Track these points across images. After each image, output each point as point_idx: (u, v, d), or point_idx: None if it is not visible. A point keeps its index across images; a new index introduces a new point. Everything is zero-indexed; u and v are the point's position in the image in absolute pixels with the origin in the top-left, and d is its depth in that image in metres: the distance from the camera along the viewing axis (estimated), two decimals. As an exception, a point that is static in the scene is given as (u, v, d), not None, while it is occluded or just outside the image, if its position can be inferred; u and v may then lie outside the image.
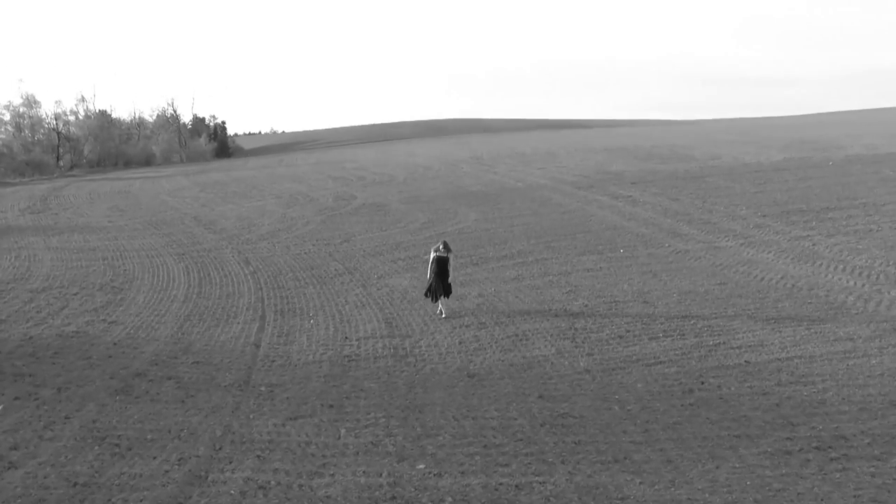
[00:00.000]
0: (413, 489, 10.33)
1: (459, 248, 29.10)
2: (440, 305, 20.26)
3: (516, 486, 10.31)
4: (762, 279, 21.96)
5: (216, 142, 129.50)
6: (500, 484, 10.37)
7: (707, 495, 9.82)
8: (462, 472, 10.79)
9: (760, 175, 45.47)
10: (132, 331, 19.91)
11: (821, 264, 23.19)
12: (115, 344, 18.66)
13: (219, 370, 16.32)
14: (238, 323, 20.43)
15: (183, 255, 31.84)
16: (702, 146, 72.22)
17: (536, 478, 10.52)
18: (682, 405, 13.05)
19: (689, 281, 22.20)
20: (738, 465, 10.61)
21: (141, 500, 10.19)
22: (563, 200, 40.52)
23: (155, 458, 11.65)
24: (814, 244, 26.09)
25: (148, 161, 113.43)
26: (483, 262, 26.74)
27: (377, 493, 10.27)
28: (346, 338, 18.53)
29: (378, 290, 23.64)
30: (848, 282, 21.01)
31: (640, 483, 10.22)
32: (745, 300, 19.82)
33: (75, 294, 24.92)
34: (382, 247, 31.04)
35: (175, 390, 15.02)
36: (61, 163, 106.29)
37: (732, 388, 13.75)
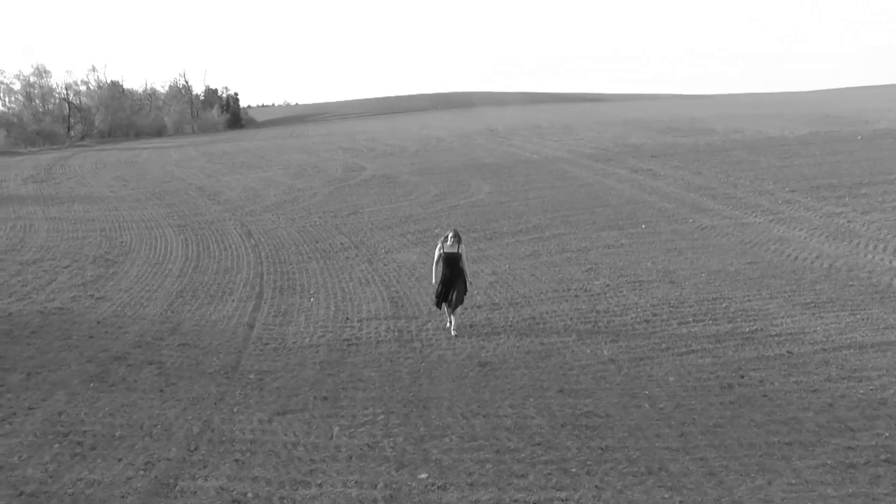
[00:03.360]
0: (412, 505, 8.83)
1: (472, 223, 27.64)
2: (449, 318, 15.88)
3: (534, 503, 8.76)
4: (796, 258, 20.34)
5: (228, 113, 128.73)
6: (515, 500, 8.78)
7: (761, 520, 8.28)
8: (470, 485, 9.21)
9: (786, 149, 43.63)
10: (119, 308, 18.52)
11: (858, 243, 21.53)
12: (98, 323, 17.26)
13: (206, 354, 14.87)
14: (233, 300, 19.01)
15: (183, 226, 30.51)
16: (722, 120, 70.24)
17: (558, 493, 8.91)
18: (721, 403, 11.44)
19: (718, 259, 20.62)
20: (793, 482, 8.99)
21: (92, 517, 8.75)
22: (581, 173, 38.88)
23: (120, 460, 10.17)
24: (849, 221, 24.41)
25: (159, 132, 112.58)
26: (497, 238, 25.20)
27: (370, 509, 8.78)
28: (348, 318, 17.06)
29: (385, 265, 22.18)
30: (891, 262, 19.37)
31: (681, 502, 8.65)
32: (779, 281, 18.22)
33: (66, 267, 23.58)
34: (391, 220, 29.56)
35: (155, 377, 13.56)
36: (72, 133, 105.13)
37: (776, 384, 12.13)
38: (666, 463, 9.61)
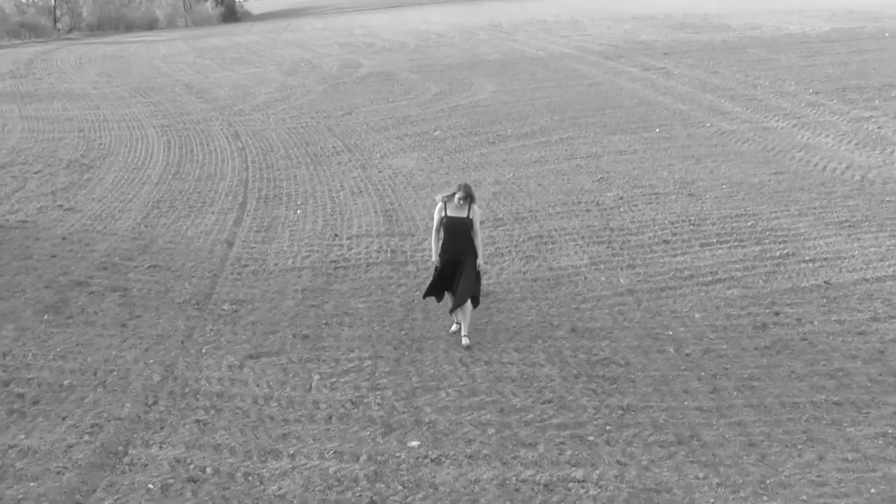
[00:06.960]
0: (400, 486, 7.38)
1: (474, 125, 25.78)
2: (458, 319, 10.76)
3: (545, 485, 7.33)
4: (824, 169, 18.68)
5: (223, 6, 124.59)
6: (522, 480, 7.40)
7: (817, 514, 6.86)
8: (469, 457, 7.81)
9: (807, 47, 41.14)
10: (89, 221, 17.00)
11: (892, 152, 19.79)
12: (63, 239, 15.76)
13: (178, 278, 13.39)
14: (213, 213, 17.48)
15: (167, 126, 28.70)
16: (737, 15, 66.87)
17: (573, 470, 7.51)
18: (755, 349, 9.97)
19: (739, 169, 18.96)
20: (849, 457, 7.56)
21: (19, 501, 7.36)
22: (590, 71, 36.69)
23: (65, 418, 8.75)
24: (879, 127, 22.57)
25: (151, 25, 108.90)
26: (500, 141, 23.45)
27: (349, 492, 7.31)
28: (336, 235, 15.55)
29: (379, 171, 20.56)
30: (930, 175, 17.74)
31: (718, 485, 7.22)
32: (808, 195, 16.62)
33: (37, 173, 21.96)
34: (388, 121, 27.71)
35: (118, 308, 12.09)
36: (59, 25, 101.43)
37: (816, 324, 10.65)
38: (698, 429, 8.18)
